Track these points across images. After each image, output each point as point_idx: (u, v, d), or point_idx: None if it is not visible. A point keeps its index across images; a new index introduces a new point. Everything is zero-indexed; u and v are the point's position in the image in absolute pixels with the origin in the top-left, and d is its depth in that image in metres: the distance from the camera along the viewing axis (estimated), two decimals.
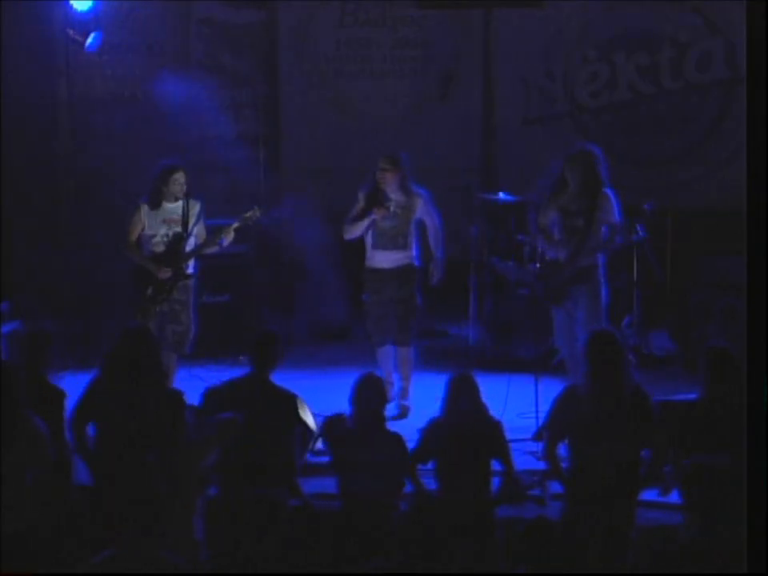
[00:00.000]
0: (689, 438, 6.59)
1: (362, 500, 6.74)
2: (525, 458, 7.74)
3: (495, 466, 6.87)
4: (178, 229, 8.90)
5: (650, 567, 6.33)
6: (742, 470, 4.88)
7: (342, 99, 12.58)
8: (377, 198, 8.96)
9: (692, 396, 6.93)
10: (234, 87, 12.50)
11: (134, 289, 8.92)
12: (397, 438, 6.93)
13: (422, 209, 9.02)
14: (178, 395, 6.86)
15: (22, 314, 9.40)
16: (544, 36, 12.18)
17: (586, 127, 12.19)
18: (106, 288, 10.36)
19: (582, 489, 6.54)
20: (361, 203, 9.01)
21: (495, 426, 6.90)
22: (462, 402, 6.83)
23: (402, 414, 8.91)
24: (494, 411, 7.08)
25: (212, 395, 7.16)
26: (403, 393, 9.07)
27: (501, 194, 10.71)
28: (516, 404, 8.61)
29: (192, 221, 8.92)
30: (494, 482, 6.88)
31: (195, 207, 8.96)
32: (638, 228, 9.95)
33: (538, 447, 7.72)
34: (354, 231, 9.05)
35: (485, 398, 6.97)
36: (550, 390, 7.73)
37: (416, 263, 9.07)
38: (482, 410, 6.91)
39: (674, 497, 6.73)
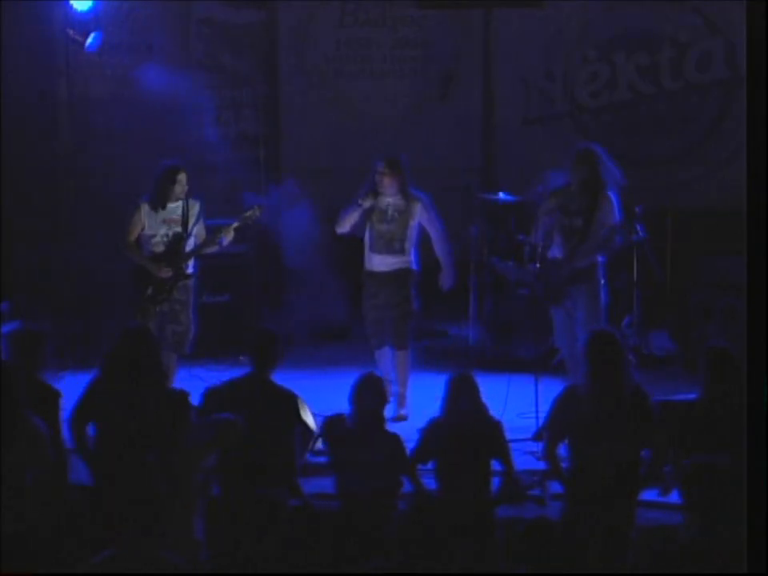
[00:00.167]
0: (689, 438, 6.59)
1: (360, 500, 6.74)
2: (525, 458, 7.73)
3: (495, 466, 6.87)
4: (178, 229, 8.90)
5: (650, 567, 6.33)
6: (742, 470, 4.88)
7: (342, 99, 12.58)
8: (375, 203, 8.92)
9: (692, 396, 6.93)
10: (234, 87, 12.50)
11: (134, 289, 8.91)
12: (395, 438, 6.93)
13: (421, 214, 8.94)
14: (183, 395, 6.85)
15: (21, 314, 9.39)
16: (544, 36, 12.18)
17: (585, 127, 12.19)
18: (105, 288, 10.35)
19: (582, 489, 6.54)
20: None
21: (495, 426, 6.90)
22: (462, 402, 6.83)
23: (400, 418, 8.86)
24: (494, 411, 7.08)
25: (212, 395, 7.16)
26: (400, 400, 8.98)
27: (501, 194, 10.71)
28: (516, 404, 8.61)
29: (192, 221, 8.92)
30: (494, 481, 6.88)
31: (195, 207, 8.96)
32: (638, 228, 9.97)
33: (538, 447, 7.72)
34: (344, 224, 8.95)
35: (485, 398, 6.97)
36: (550, 390, 7.73)
37: (413, 267, 8.99)
38: (482, 410, 6.91)
39: (673, 497, 6.73)
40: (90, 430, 6.96)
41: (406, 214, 8.93)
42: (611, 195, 8.36)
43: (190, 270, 8.99)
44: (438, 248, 9.03)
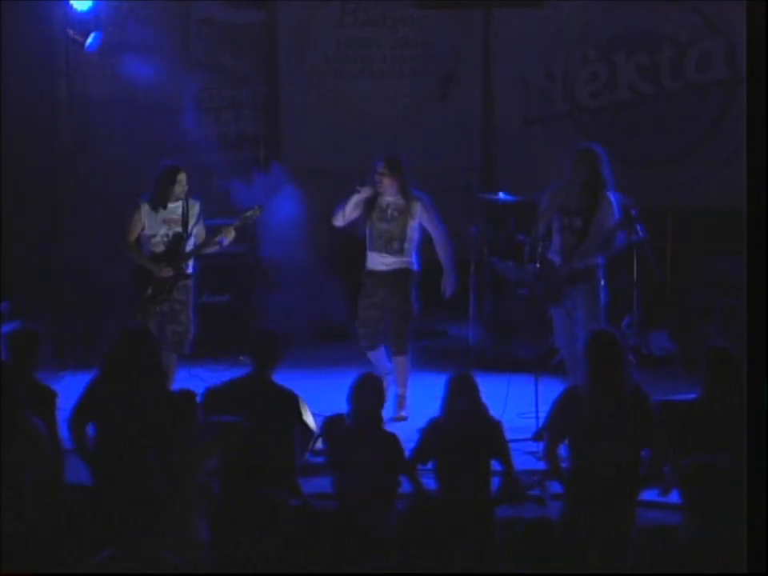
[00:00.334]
0: (689, 438, 6.59)
1: (358, 499, 6.73)
2: (525, 458, 7.73)
3: (495, 466, 6.87)
4: (178, 229, 8.90)
5: (649, 567, 6.32)
6: (742, 470, 4.88)
7: (342, 99, 12.58)
8: (374, 201, 8.91)
9: (692, 396, 6.93)
10: (234, 87, 12.50)
11: (134, 289, 8.91)
12: (393, 438, 6.92)
13: (421, 214, 8.89)
14: (190, 396, 6.83)
15: (21, 314, 9.40)
16: (544, 36, 12.17)
17: (586, 127, 12.19)
18: (105, 288, 10.35)
19: (582, 489, 6.54)
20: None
21: (495, 426, 6.90)
22: (462, 402, 6.83)
23: (400, 419, 8.85)
24: (494, 411, 7.08)
25: (212, 395, 7.16)
26: (400, 401, 8.96)
27: (501, 194, 10.70)
28: (516, 404, 8.60)
29: (192, 221, 8.92)
30: (494, 481, 6.88)
31: (195, 207, 8.96)
32: (638, 228, 9.96)
33: (538, 447, 7.72)
34: (341, 216, 8.90)
35: (485, 398, 6.96)
36: (550, 390, 7.73)
37: (413, 268, 8.94)
38: (482, 410, 6.91)
39: (673, 497, 6.73)
40: (90, 430, 6.96)
41: (406, 214, 8.89)
42: (611, 196, 8.35)
43: (189, 270, 8.99)
44: (440, 251, 8.99)
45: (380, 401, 6.96)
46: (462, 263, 10.45)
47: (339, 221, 8.98)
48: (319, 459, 7.60)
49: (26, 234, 11.12)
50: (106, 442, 6.86)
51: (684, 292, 10.53)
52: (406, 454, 6.93)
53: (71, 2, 10.87)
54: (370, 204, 8.92)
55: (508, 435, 7.01)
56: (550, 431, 6.83)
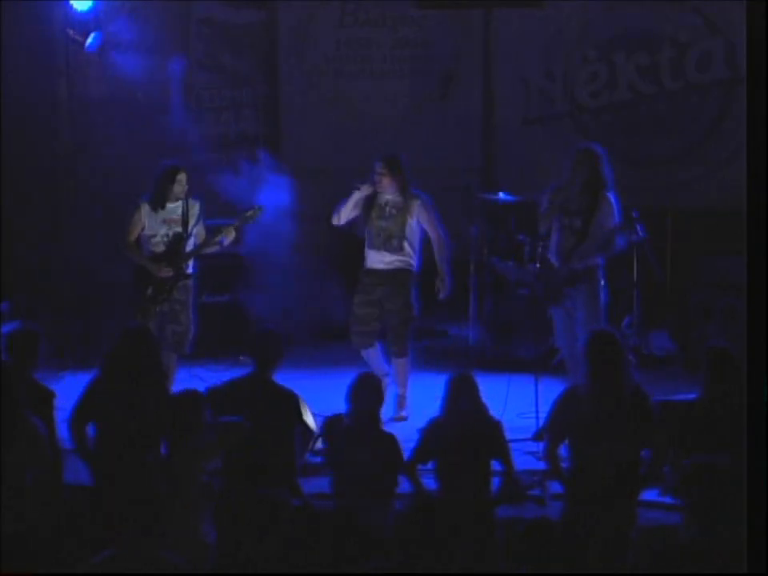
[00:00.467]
0: (689, 438, 6.60)
1: (355, 499, 6.73)
2: (525, 458, 7.73)
3: (495, 466, 6.87)
4: (179, 229, 8.90)
5: (649, 567, 6.31)
6: (742, 469, 4.88)
7: (342, 99, 12.58)
8: (373, 199, 8.90)
9: (692, 396, 6.93)
10: (234, 87, 12.50)
11: (134, 289, 8.91)
12: (391, 438, 6.91)
13: (419, 212, 8.86)
14: (197, 396, 6.83)
15: (21, 314, 9.41)
16: (544, 36, 12.18)
17: (586, 127, 12.19)
18: (106, 288, 10.35)
19: (582, 489, 6.54)
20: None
21: (495, 426, 6.90)
22: (462, 402, 6.83)
23: (400, 419, 8.85)
24: (494, 411, 7.08)
25: (213, 395, 7.15)
26: (400, 401, 8.96)
27: (501, 194, 10.71)
28: (516, 404, 8.60)
29: (192, 221, 8.91)
30: (494, 481, 6.88)
31: (195, 207, 8.96)
32: (638, 228, 9.97)
33: (538, 447, 7.72)
34: (340, 214, 8.88)
35: (485, 398, 6.96)
36: (550, 390, 7.73)
37: (413, 269, 8.91)
38: (482, 410, 6.90)
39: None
40: (90, 430, 6.96)
41: (404, 212, 8.86)
42: (611, 196, 8.34)
43: (190, 270, 8.99)
44: (436, 251, 8.92)
45: (378, 401, 6.95)
46: (462, 263, 10.47)
47: (338, 219, 8.96)
48: (319, 459, 7.60)
49: (26, 234, 11.12)
50: (106, 442, 6.86)
51: (684, 292, 10.53)
52: (404, 453, 6.93)
53: (71, 2, 10.88)
54: (369, 203, 8.91)
55: (508, 435, 7.01)
56: (550, 431, 6.82)
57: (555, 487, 7.09)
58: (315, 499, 7.07)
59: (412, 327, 8.99)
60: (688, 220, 11.41)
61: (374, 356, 8.97)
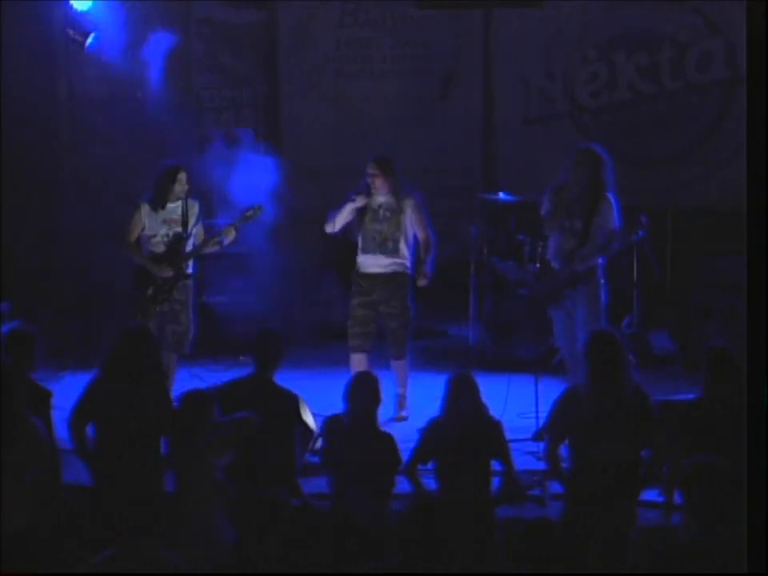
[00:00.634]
0: (689, 438, 6.59)
1: (352, 499, 6.72)
2: (525, 458, 7.73)
3: (495, 466, 6.87)
4: (179, 229, 8.89)
5: (649, 567, 6.32)
6: (742, 470, 4.88)
7: (342, 99, 12.58)
8: (367, 203, 8.86)
9: (692, 396, 6.93)
10: (234, 87, 12.51)
11: (135, 289, 8.91)
12: (388, 438, 6.91)
13: (412, 213, 8.84)
14: (206, 394, 6.82)
15: (21, 314, 9.41)
16: (544, 36, 12.18)
17: (586, 127, 12.19)
18: (105, 288, 10.35)
19: (582, 489, 6.54)
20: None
21: (495, 426, 6.89)
22: (462, 402, 6.82)
23: (400, 419, 8.84)
24: (494, 411, 7.08)
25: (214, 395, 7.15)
26: (401, 401, 8.96)
27: (501, 194, 10.71)
28: (516, 404, 8.60)
29: (192, 221, 8.91)
30: (494, 481, 6.88)
31: (194, 207, 8.95)
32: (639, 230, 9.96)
33: (538, 447, 7.72)
34: (334, 222, 8.84)
35: (485, 398, 6.96)
36: (550, 390, 7.73)
37: (408, 270, 8.88)
38: (481, 410, 6.90)
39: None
40: (90, 430, 6.96)
41: (398, 213, 8.84)
42: (611, 198, 8.32)
43: (189, 270, 8.99)
44: (422, 251, 8.85)
45: (375, 400, 6.94)
46: (462, 263, 10.48)
47: (332, 227, 8.93)
48: (319, 459, 7.60)
49: (25, 234, 11.12)
50: (106, 442, 6.85)
51: (684, 292, 10.53)
52: (404, 453, 6.93)
53: (71, 2, 10.87)
54: (362, 207, 8.88)
55: (508, 435, 7.00)
56: (551, 431, 6.82)
57: (555, 487, 7.09)
58: (315, 499, 7.07)
59: (411, 329, 8.99)
60: (688, 220, 11.41)
61: (364, 363, 8.86)
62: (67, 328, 10.61)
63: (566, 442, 6.70)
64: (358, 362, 8.83)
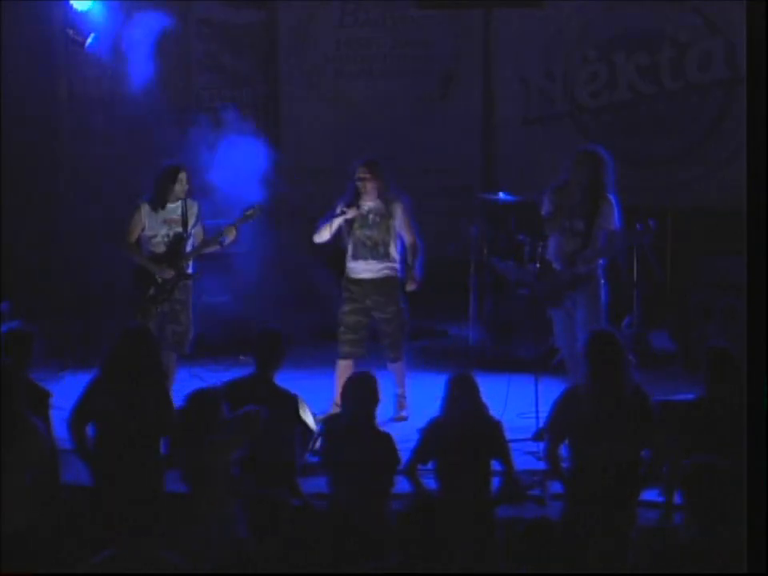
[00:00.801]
0: (689, 438, 6.59)
1: (350, 499, 6.72)
2: (525, 458, 7.73)
3: (495, 466, 6.87)
4: (179, 229, 8.89)
5: (649, 567, 6.32)
6: (742, 470, 4.88)
7: (342, 99, 12.58)
8: (355, 206, 8.84)
9: (692, 396, 6.93)
10: (234, 87, 12.51)
11: (135, 289, 8.90)
12: (387, 438, 6.90)
13: (399, 216, 8.82)
14: (213, 392, 6.82)
15: (21, 314, 9.41)
16: (544, 36, 12.18)
17: (586, 127, 12.19)
18: (106, 288, 10.35)
19: (582, 489, 6.54)
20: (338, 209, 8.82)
21: (495, 426, 6.89)
22: (462, 402, 6.82)
23: (400, 419, 8.84)
24: (494, 411, 7.08)
25: None
26: (400, 401, 8.95)
27: (501, 194, 10.71)
28: (516, 404, 8.60)
29: (192, 221, 8.91)
30: (494, 481, 6.88)
31: (194, 207, 8.95)
32: (638, 227, 9.95)
33: (538, 447, 7.72)
34: (324, 233, 8.81)
35: (485, 398, 6.96)
36: (550, 390, 7.73)
37: (399, 273, 8.86)
38: (481, 410, 6.90)
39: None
40: (89, 430, 6.96)
41: (387, 217, 8.81)
42: (612, 198, 8.31)
43: (190, 270, 8.99)
44: (409, 255, 8.84)
45: (373, 400, 6.93)
46: (462, 263, 10.48)
47: (320, 238, 8.89)
48: (319, 459, 7.60)
49: (25, 234, 11.13)
50: (106, 442, 6.85)
51: (684, 292, 10.53)
52: (403, 454, 6.93)
53: (71, 2, 10.88)
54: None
55: (508, 435, 7.00)
56: (551, 431, 6.82)
57: (555, 487, 7.09)
58: (315, 499, 7.07)
59: (406, 331, 8.99)
60: (688, 220, 11.40)
61: (350, 370, 8.58)
62: (67, 328, 10.61)
63: (566, 441, 6.70)
64: (346, 368, 8.72)
